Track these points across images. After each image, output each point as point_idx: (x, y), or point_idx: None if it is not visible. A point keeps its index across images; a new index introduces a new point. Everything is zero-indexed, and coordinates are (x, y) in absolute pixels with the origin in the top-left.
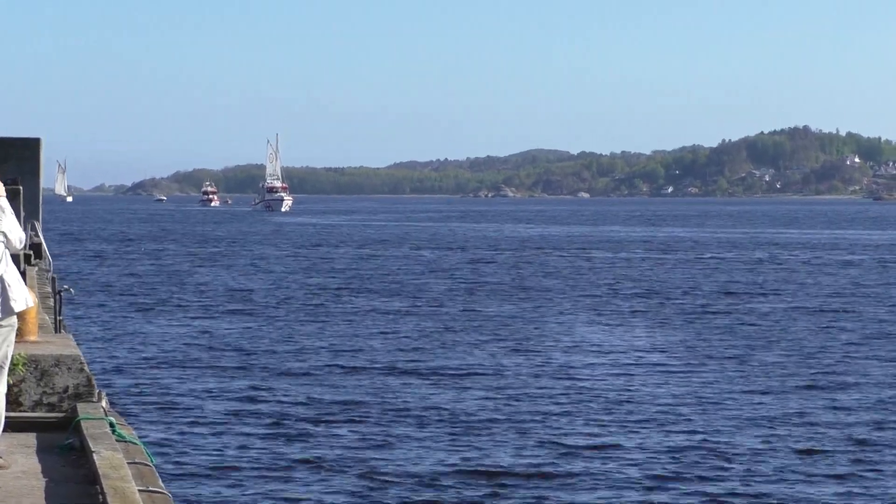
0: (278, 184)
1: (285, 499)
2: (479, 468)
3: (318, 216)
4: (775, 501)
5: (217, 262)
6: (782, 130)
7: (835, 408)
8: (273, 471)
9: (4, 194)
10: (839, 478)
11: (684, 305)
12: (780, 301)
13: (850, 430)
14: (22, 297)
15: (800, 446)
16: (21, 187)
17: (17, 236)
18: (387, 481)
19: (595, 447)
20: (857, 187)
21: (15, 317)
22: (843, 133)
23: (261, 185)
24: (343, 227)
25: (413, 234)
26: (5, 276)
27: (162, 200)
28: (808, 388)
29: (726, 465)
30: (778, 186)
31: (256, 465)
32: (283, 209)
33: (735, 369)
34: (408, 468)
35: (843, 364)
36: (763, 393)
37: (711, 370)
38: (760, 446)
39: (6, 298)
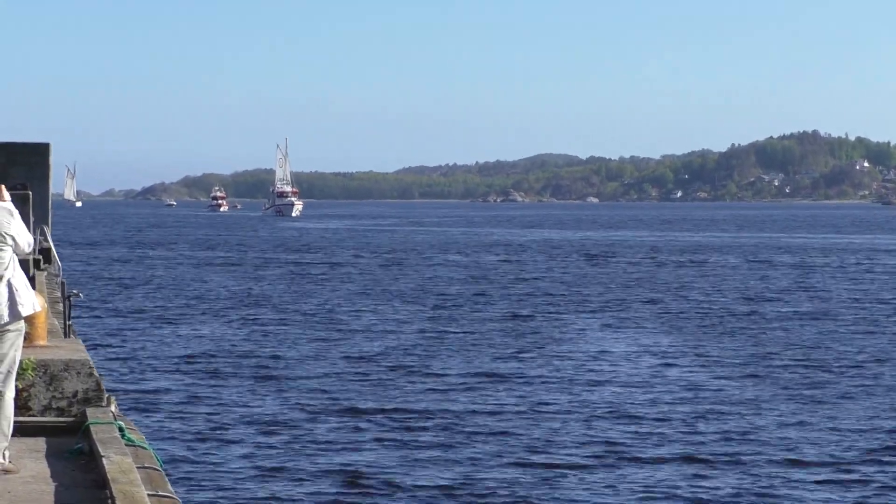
0: (289, 188)
1: (296, 502)
2: (490, 474)
3: (328, 221)
4: None
5: (226, 267)
6: (791, 135)
7: (850, 415)
8: (282, 475)
9: (9, 198)
10: (855, 483)
11: (699, 310)
12: (795, 306)
13: (870, 437)
14: (29, 301)
15: (815, 453)
16: (30, 192)
17: (26, 240)
18: (396, 486)
19: (609, 454)
20: (867, 192)
21: (23, 321)
22: (852, 138)
23: (271, 189)
24: (356, 232)
25: (423, 239)
26: (13, 281)
27: (172, 205)
28: (824, 394)
29: (741, 469)
30: (787, 191)
31: (265, 470)
32: (293, 214)
33: (751, 375)
34: (420, 474)
35: (862, 369)
36: (775, 399)
37: (727, 376)
38: (776, 454)
39: (14, 303)
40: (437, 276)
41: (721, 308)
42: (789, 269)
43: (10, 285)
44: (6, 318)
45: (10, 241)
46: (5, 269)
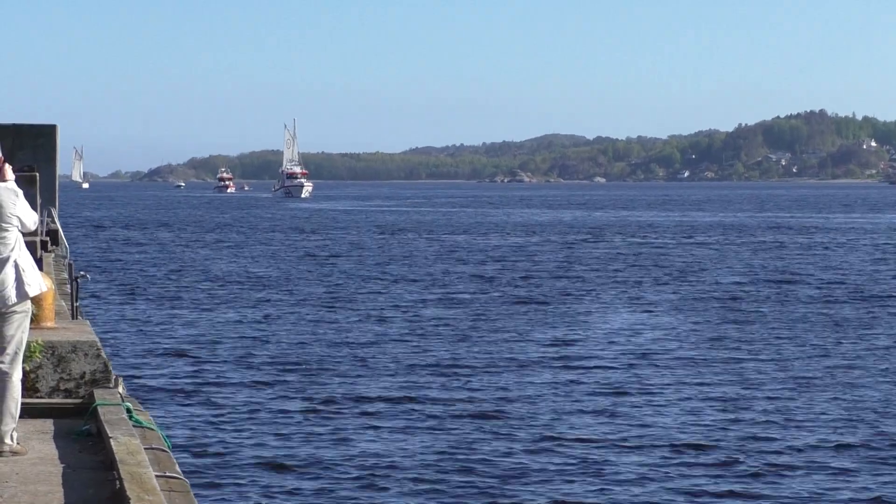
0: (298, 170)
1: (302, 486)
2: (499, 462)
3: (338, 202)
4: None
5: (236, 249)
6: (798, 115)
7: (861, 401)
8: (290, 458)
9: (13, 177)
10: (867, 473)
11: (712, 292)
12: (808, 287)
13: (881, 422)
14: (36, 282)
15: (824, 439)
16: (37, 174)
17: (32, 219)
18: (402, 476)
19: (621, 442)
20: (874, 171)
21: (29, 302)
22: (859, 117)
23: (281, 170)
24: (369, 214)
25: (435, 220)
26: (19, 262)
27: (181, 187)
28: (828, 379)
29: (753, 461)
30: (794, 171)
31: (273, 452)
32: (302, 195)
33: (760, 360)
34: (429, 463)
35: (873, 354)
36: (785, 382)
37: (738, 360)
38: (789, 440)
39: (21, 283)
40: (449, 258)
41: (746, 290)
42: (813, 248)
43: (16, 266)
44: (13, 299)
45: (15, 222)
46: (11, 250)
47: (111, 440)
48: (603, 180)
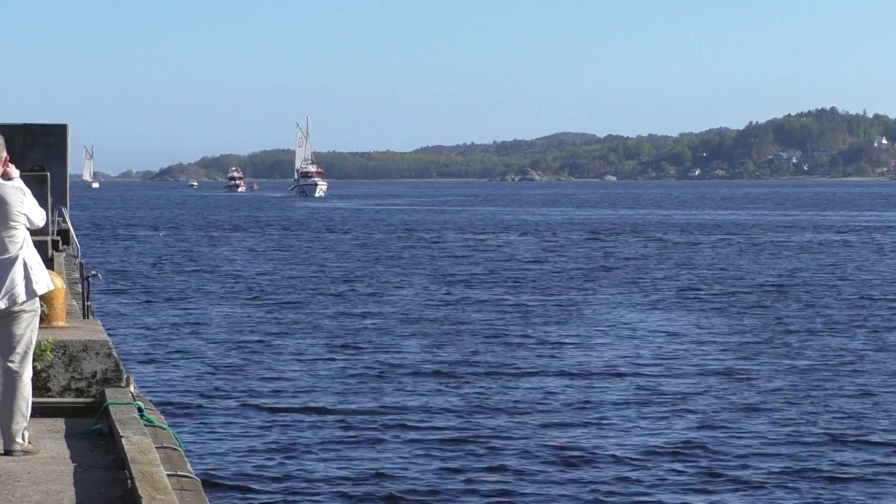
0: (313, 168)
1: (313, 485)
2: (511, 466)
3: (352, 201)
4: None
5: (249, 248)
6: (809, 112)
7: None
8: (302, 457)
9: (17, 175)
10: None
11: (733, 292)
12: (821, 286)
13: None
14: (44, 280)
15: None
16: (48, 173)
17: (40, 216)
18: (409, 484)
19: (634, 445)
20: (885, 169)
21: (38, 300)
22: (870, 115)
23: (297, 169)
24: (385, 213)
25: (445, 218)
26: (27, 260)
27: (193, 186)
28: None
29: (769, 463)
30: (805, 169)
31: (285, 451)
32: (316, 194)
33: (776, 362)
34: (438, 466)
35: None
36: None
37: (758, 364)
38: (807, 447)
39: (29, 281)
40: (465, 257)
41: (766, 289)
42: (833, 247)
43: (24, 264)
44: (22, 297)
45: (23, 220)
46: (20, 249)
47: (123, 439)
48: (614, 178)
